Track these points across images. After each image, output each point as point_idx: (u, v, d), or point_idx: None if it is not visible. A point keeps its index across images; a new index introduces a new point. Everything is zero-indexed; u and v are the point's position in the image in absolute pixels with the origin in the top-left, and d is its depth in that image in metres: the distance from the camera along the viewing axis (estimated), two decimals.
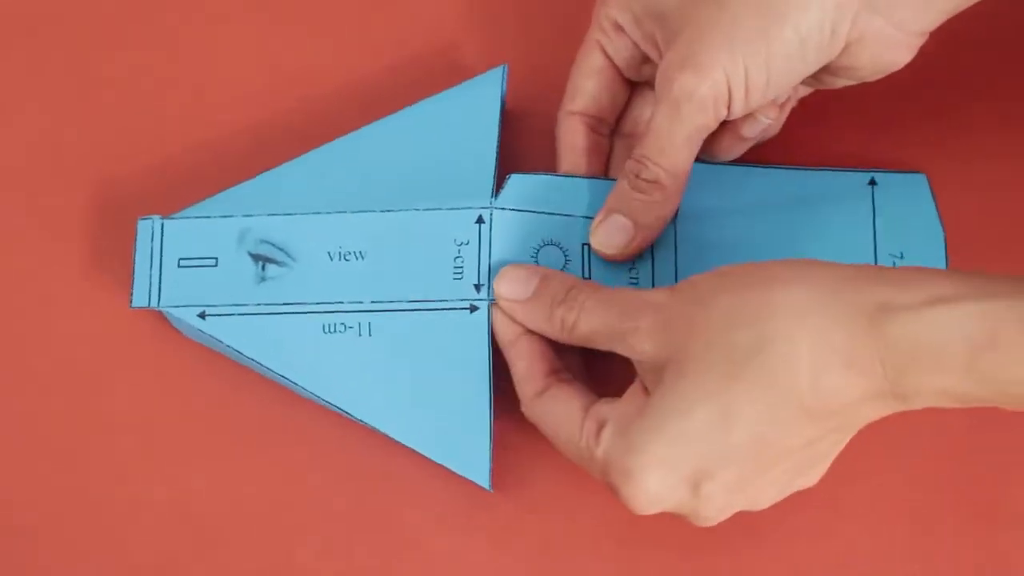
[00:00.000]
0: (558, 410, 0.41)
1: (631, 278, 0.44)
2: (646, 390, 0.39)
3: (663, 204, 0.42)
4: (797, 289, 0.36)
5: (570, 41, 0.46)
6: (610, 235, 0.42)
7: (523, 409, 0.42)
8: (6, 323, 0.47)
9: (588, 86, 0.45)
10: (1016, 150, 0.48)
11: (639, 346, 0.38)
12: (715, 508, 0.39)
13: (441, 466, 0.43)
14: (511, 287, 0.42)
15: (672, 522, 0.44)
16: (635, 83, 0.46)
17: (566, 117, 0.45)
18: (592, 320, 0.40)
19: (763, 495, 0.40)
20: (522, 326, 0.42)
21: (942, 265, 0.45)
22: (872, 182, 0.46)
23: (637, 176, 0.42)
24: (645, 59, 0.44)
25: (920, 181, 0.46)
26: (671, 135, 0.41)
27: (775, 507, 0.44)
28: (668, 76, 0.40)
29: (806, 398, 0.36)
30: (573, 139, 0.45)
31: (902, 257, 0.45)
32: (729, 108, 0.41)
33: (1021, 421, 0.44)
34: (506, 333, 0.42)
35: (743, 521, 0.44)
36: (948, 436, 0.45)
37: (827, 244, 0.45)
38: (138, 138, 0.49)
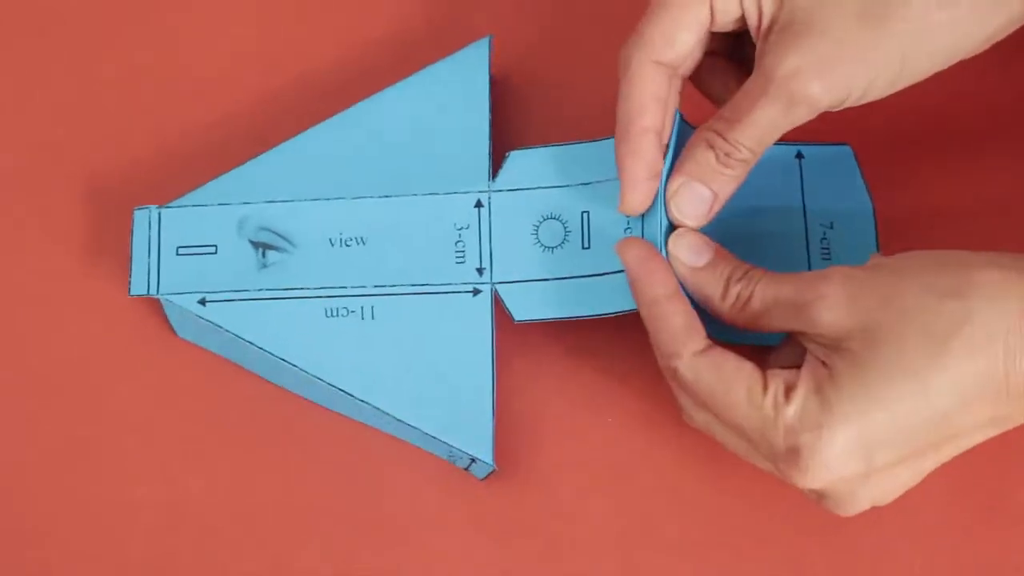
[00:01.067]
0: (729, 366, 0.39)
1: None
2: (824, 365, 0.38)
3: (742, 178, 0.42)
4: (993, 271, 0.37)
5: (555, 8, 0.46)
6: (692, 204, 0.42)
7: (676, 365, 0.40)
8: (2, 318, 0.47)
9: (686, 39, 0.42)
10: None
11: (823, 316, 0.38)
12: (879, 488, 0.39)
13: (440, 465, 0.43)
14: (688, 253, 0.42)
15: (672, 517, 0.44)
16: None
17: (650, 66, 0.42)
18: (767, 293, 0.40)
19: (912, 478, 0.39)
20: (675, 284, 0.41)
21: (871, 235, 0.45)
22: (799, 155, 0.46)
23: (728, 155, 0.41)
24: (739, 18, 0.43)
25: (845, 153, 0.46)
26: (775, 129, 0.41)
27: (778, 505, 0.44)
28: (797, 84, 0.40)
29: (1002, 377, 0.36)
30: (658, 91, 0.43)
31: (832, 227, 0.45)
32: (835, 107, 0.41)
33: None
34: (664, 286, 0.41)
35: (743, 518, 0.44)
36: None
37: (760, 214, 0.45)
38: (129, 127, 0.49)
